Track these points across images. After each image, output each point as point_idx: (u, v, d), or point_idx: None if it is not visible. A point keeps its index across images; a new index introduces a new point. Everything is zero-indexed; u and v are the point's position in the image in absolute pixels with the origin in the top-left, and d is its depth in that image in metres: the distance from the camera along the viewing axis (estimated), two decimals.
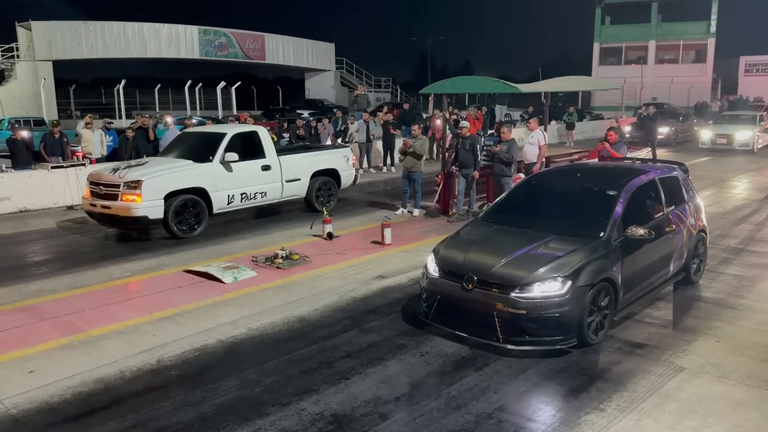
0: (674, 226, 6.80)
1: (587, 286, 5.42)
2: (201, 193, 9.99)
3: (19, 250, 9.60)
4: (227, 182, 10.29)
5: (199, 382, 5.04)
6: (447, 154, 12.07)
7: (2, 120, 22.78)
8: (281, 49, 40.39)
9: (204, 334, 6.04)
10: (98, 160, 13.65)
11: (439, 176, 11.79)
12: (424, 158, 11.73)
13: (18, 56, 30.87)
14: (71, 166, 12.88)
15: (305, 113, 29.27)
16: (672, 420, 4.42)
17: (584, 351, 5.52)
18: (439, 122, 20.08)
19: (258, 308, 6.75)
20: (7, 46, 30.83)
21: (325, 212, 10.18)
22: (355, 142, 18.36)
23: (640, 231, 5.91)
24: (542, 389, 4.92)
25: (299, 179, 11.46)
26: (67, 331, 6.06)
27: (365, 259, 8.71)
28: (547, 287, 5.35)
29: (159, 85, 31.64)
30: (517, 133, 16.33)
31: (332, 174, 12.15)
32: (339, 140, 18.00)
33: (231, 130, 11.09)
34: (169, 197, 9.60)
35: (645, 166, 7.71)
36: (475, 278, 5.57)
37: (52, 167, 12.73)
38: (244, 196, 10.55)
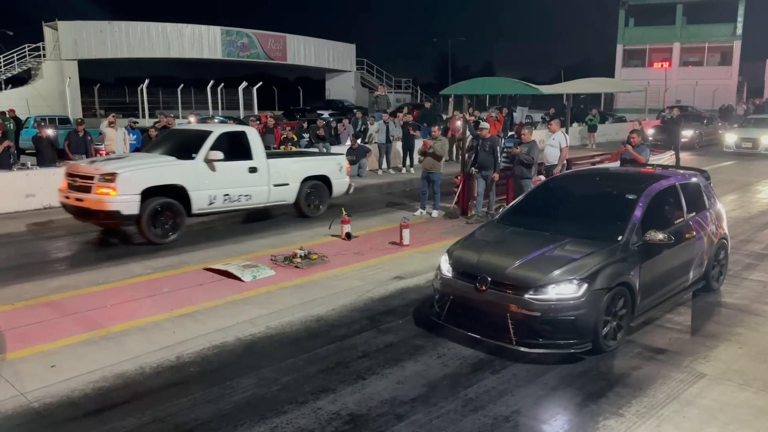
0: (695, 233, 6.67)
1: (604, 290, 5.33)
2: (180, 192, 9.58)
3: (43, 246, 9.75)
4: (209, 182, 9.90)
5: (217, 380, 5.08)
6: (467, 156, 12.04)
7: (28, 118, 23.20)
8: (302, 50, 40.63)
9: (223, 331, 6.09)
10: None
11: (459, 177, 11.75)
12: (443, 159, 11.71)
13: (44, 55, 31.41)
14: None
15: (325, 114, 29.41)
16: (692, 427, 4.36)
17: (603, 355, 5.46)
18: (459, 123, 20.05)
19: (276, 307, 6.79)
20: (34, 45, 31.39)
21: (344, 212, 10.19)
22: (375, 142, 18.41)
23: (660, 236, 5.79)
24: (560, 393, 4.88)
25: (287, 184, 11.08)
26: (89, 327, 6.14)
27: (383, 259, 8.72)
28: (563, 289, 5.27)
29: (182, 85, 31.98)
30: (538, 134, 16.22)
31: (324, 181, 11.74)
32: (359, 141, 18.05)
33: (218, 129, 10.82)
34: (147, 194, 9.19)
35: (666, 171, 7.60)
36: (489, 279, 5.51)
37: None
38: (227, 197, 10.14)
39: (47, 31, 31.55)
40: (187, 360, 5.47)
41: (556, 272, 5.36)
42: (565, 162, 11.24)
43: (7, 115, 20.01)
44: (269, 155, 11.11)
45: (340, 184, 12.06)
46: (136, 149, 14.26)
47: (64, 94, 27.27)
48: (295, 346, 5.80)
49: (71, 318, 6.42)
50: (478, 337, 5.61)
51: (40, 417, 4.52)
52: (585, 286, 5.26)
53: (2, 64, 30.81)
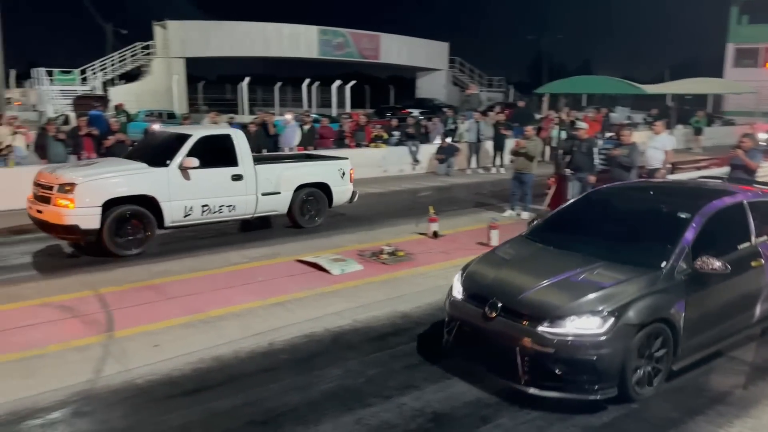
0: (763, 261, 5.57)
1: (635, 326, 4.53)
2: (151, 203, 8.71)
3: None
4: (185, 191, 8.93)
5: (306, 368, 5.24)
6: (562, 157, 11.71)
7: (138, 112, 24.81)
8: (395, 49, 40.85)
9: (312, 322, 6.26)
10: None
11: (552, 179, 11.46)
12: (536, 160, 11.46)
13: (154, 53, 33.40)
14: None
15: (415, 112, 29.48)
16: None
17: (704, 371, 5.16)
18: (552, 123, 19.52)
19: (363, 301, 6.90)
20: (145, 43, 33.46)
21: (431, 211, 10.18)
22: (465, 141, 18.29)
23: (715, 264, 4.87)
24: (655, 408, 4.65)
25: (279, 193, 9.97)
26: (189, 311, 6.50)
27: (470, 259, 8.61)
28: (583, 323, 4.48)
29: (281, 83, 33.03)
30: (639, 136, 15.48)
31: (323, 188, 10.61)
32: (448, 139, 18.00)
33: (199, 131, 9.72)
34: (110, 205, 8.36)
35: (734, 186, 6.46)
36: (500, 304, 4.81)
37: None
38: (205, 208, 9.16)
39: (157, 30, 33.50)
40: (278, 347, 5.67)
41: (578, 301, 4.60)
42: (669, 166, 10.70)
43: (120, 110, 21.48)
44: (259, 160, 10.17)
45: (342, 191, 10.89)
46: None
47: (172, 91, 28.85)
48: (380, 340, 5.88)
49: (173, 301, 6.82)
50: (485, 372, 4.96)
51: (144, 393, 4.83)
52: (611, 320, 4.47)
53: (116, 61, 33.03)
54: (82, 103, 24.57)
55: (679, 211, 5.41)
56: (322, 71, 38.54)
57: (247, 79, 31.48)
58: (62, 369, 5.13)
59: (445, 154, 17.57)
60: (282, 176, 10.08)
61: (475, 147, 18.06)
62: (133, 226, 8.61)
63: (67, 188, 8.17)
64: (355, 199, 11.27)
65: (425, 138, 18.70)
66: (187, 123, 15.17)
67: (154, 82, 32.60)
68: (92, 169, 8.82)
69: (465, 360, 5.16)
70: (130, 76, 33.79)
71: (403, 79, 51.09)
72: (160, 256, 8.71)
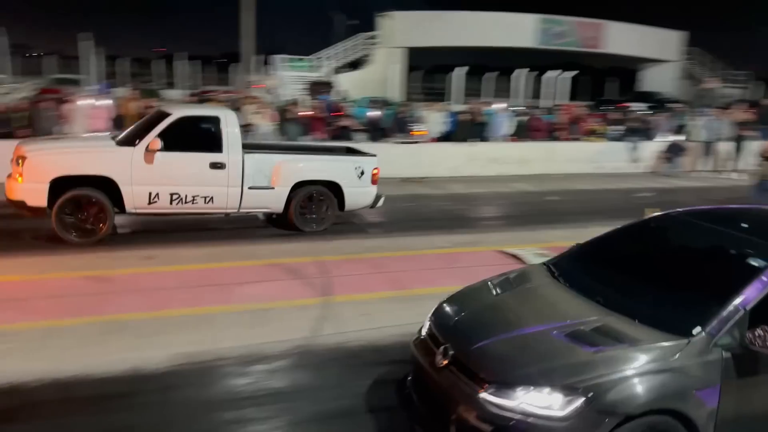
0: None
1: (614, 416, 3.11)
2: (109, 184, 7.92)
3: (364, 212, 10.93)
4: (150, 176, 8.05)
5: None
6: None
7: (360, 99, 26.47)
8: (619, 38, 38.16)
9: None
10: (438, 139, 15.06)
11: None
12: None
13: (379, 43, 35.37)
14: (413, 142, 14.53)
15: (637, 105, 27.45)
16: None
17: None
18: None
19: None
20: (371, 33, 35.58)
21: (650, 212, 9.40)
22: (696, 140, 16.63)
23: None
24: None
25: (272, 188, 8.74)
26: (395, 286, 6.85)
27: None
28: (538, 398, 3.19)
29: (498, 73, 32.84)
30: None
31: (333, 188, 9.11)
32: (678, 137, 16.55)
33: (181, 111, 8.68)
34: (61, 184, 7.70)
35: None
36: (451, 352, 3.68)
37: (396, 142, 14.49)
38: (175, 197, 8.22)
39: (382, 21, 35.37)
40: None
41: (538, 366, 3.33)
42: None
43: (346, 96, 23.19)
44: (252, 147, 9.02)
45: (358, 194, 9.23)
46: (449, 133, 15.30)
47: (392, 79, 30.35)
48: None
49: (382, 275, 7.24)
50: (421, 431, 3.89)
51: (354, 356, 5.22)
52: (580, 400, 3.13)
53: (344, 49, 35.57)
54: (313, 88, 27.06)
55: (753, 256, 3.78)
56: (534, 61, 37.32)
57: (464, 69, 32.00)
58: (286, 323, 5.73)
59: (672, 152, 16.15)
60: (280, 169, 8.78)
61: (709, 147, 16.31)
62: (88, 210, 7.87)
63: (20, 161, 7.72)
64: (380, 203, 9.55)
65: (647, 134, 17.36)
66: (403, 110, 15.86)
67: (376, 71, 34.49)
68: (50, 143, 8.46)
69: (419, 408, 3.96)
70: (356, 64, 36.15)
71: (624, 70, 47.63)
72: (374, 233, 9.30)
